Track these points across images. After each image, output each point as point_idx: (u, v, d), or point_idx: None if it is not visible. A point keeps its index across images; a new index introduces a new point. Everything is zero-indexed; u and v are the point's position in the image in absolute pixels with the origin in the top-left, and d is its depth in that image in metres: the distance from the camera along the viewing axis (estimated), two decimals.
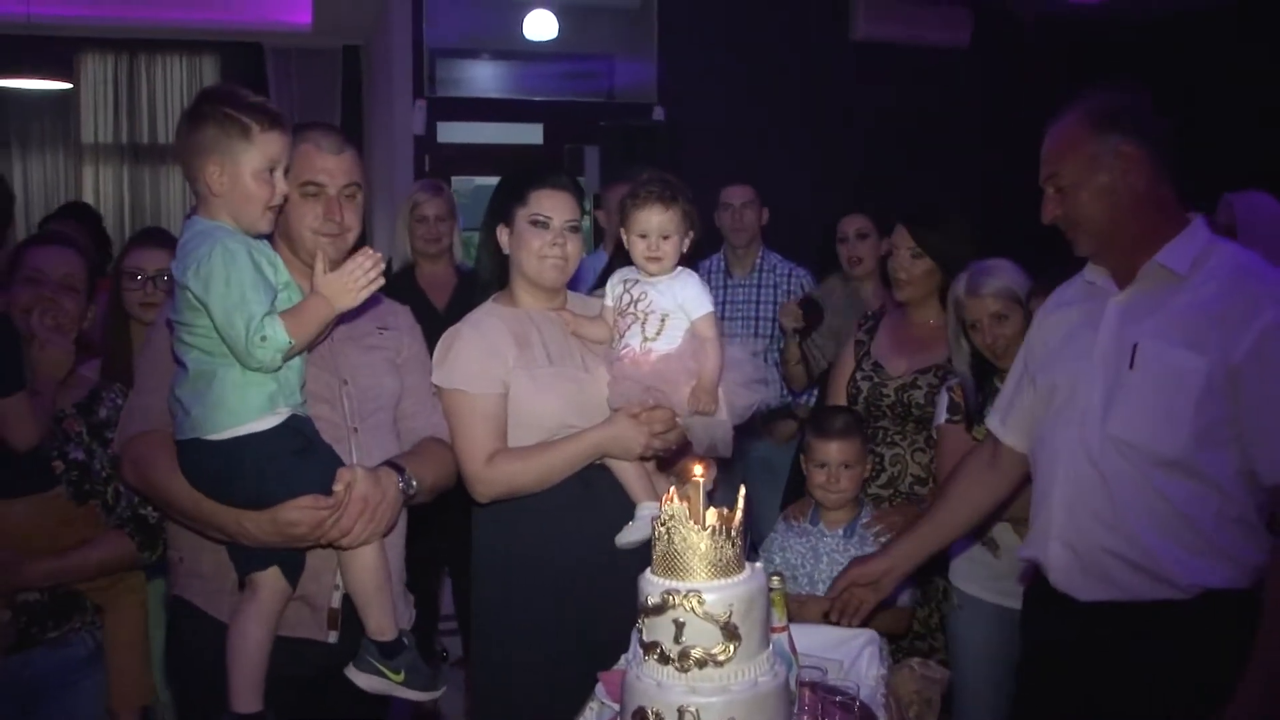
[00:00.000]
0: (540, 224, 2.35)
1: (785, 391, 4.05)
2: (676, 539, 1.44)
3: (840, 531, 2.74)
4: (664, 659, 1.42)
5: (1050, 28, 6.94)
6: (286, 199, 1.97)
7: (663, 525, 1.46)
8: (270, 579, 1.97)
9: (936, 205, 3.17)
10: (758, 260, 4.35)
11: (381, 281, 1.94)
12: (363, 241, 2.12)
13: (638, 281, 2.34)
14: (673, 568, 1.44)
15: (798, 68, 6.59)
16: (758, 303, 4.30)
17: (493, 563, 2.39)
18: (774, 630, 1.67)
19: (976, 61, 6.92)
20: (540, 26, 6.79)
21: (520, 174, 2.44)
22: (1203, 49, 6.47)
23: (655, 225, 2.29)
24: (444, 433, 2.31)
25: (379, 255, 1.94)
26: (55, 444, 2.40)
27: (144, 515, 2.42)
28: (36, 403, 2.32)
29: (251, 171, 1.87)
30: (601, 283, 2.66)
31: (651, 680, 1.43)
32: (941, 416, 2.85)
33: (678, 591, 1.42)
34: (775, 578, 1.76)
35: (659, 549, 1.46)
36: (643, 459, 2.34)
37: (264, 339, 1.81)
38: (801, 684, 1.69)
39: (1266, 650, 1.87)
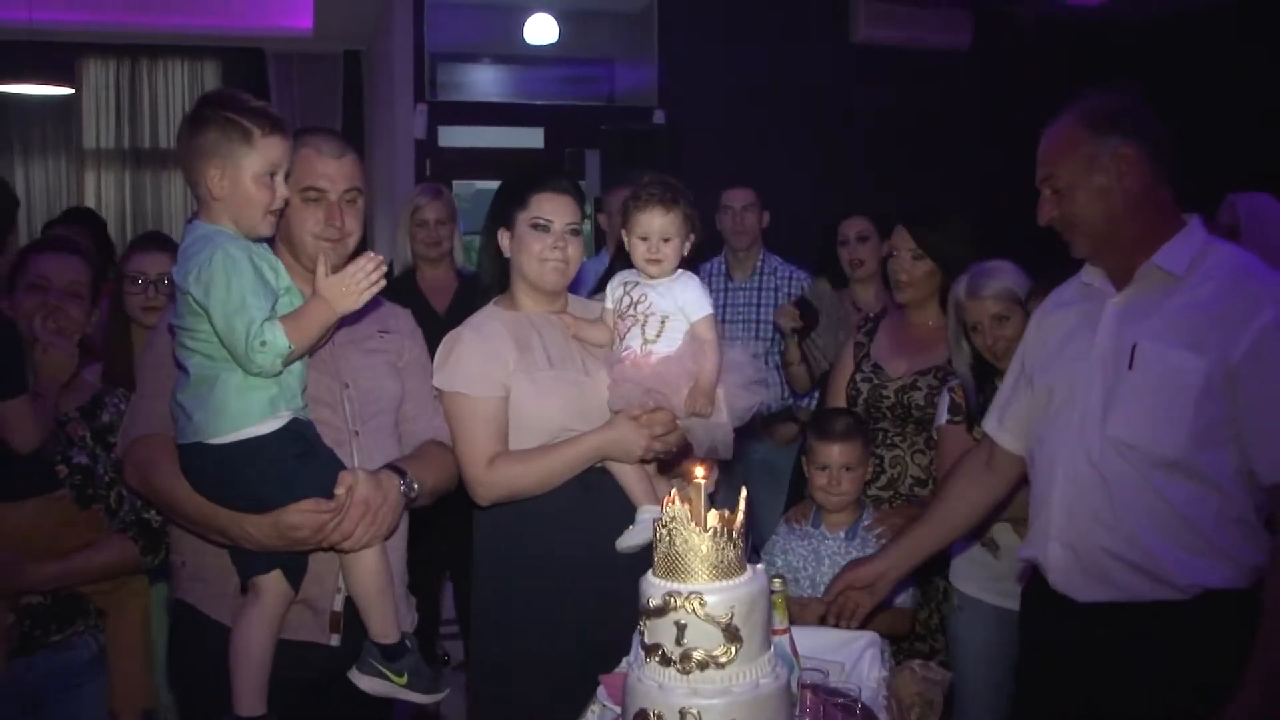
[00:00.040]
0: (541, 227, 2.35)
1: (787, 394, 4.06)
2: (678, 541, 1.44)
3: (842, 534, 2.74)
4: (666, 661, 1.42)
5: (1050, 29, 6.93)
6: (287, 203, 1.97)
7: (664, 527, 1.46)
8: (273, 582, 1.98)
9: (937, 206, 3.16)
10: (758, 263, 4.35)
11: (383, 284, 1.94)
12: (364, 246, 2.12)
13: (638, 284, 2.34)
14: (674, 569, 1.44)
15: (798, 71, 6.58)
16: (758, 305, 4.29)
17: (493, 565, 2.39)
18: (776, 632, 1.67)
19: (976, 63, 6.92)
20: (541, 30, 6.81)
21: (521, 177, 2.45)
22: (1203, 49, 6.47)
23: (656, 228, 2.29)
24: (445, 436, 2.31)
25: (380, 258, 1.94)
26: (59, 448, 2.41)
27: (147, 519, 2.43)
28: (39, 406, 2.33)
29: (252, 176, 1.87)
30: (602, 286, 2.66)
31: (653, 682, 1.43)
32: (943, 417, 2.85)
33: (679, 593, 1.42)
34: (777, 580, 1.76)
35: (660, 550, 1.46)
36: (643, 461, 2.34)
37: (264, 344, 1.81)
38: (803, 686, 1.70)
39: (1266, 650, 1.87)
